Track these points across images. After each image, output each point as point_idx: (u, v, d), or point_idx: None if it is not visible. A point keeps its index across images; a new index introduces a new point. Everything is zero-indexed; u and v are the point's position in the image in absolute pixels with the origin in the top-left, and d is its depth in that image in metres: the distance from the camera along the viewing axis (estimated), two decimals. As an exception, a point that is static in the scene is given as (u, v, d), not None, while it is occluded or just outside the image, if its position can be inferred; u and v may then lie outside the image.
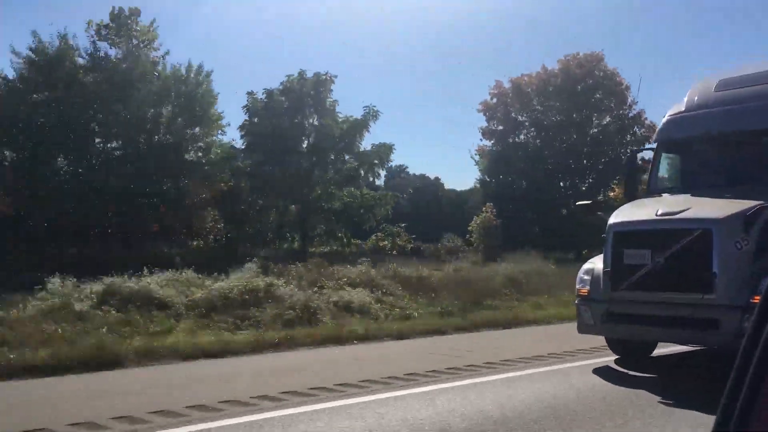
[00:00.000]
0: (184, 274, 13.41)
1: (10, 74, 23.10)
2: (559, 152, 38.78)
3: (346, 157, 30.64)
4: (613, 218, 7.59)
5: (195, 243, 26.19)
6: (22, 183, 21.65)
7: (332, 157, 30.18)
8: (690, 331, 6.62)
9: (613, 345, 8.27)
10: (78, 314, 10.08)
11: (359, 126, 30.38)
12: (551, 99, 39.99)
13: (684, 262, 6.65)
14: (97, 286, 11.92)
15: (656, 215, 7.08)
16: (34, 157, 22.17)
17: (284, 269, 14.72)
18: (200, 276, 13.43)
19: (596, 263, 7.87)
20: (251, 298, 11.54)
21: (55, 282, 11.82)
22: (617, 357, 8.08)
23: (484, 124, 40.25)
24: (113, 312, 10.49)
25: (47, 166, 22.69)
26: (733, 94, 7.84)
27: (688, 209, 6.98)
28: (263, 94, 30.25)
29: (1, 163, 22.52)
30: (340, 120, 30.44)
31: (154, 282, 12.66)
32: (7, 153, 22.76)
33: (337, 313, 11.39)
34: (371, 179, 32.52)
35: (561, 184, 39.96)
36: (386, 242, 33.96)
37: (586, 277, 7.87)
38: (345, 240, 31.67)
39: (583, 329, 7.91)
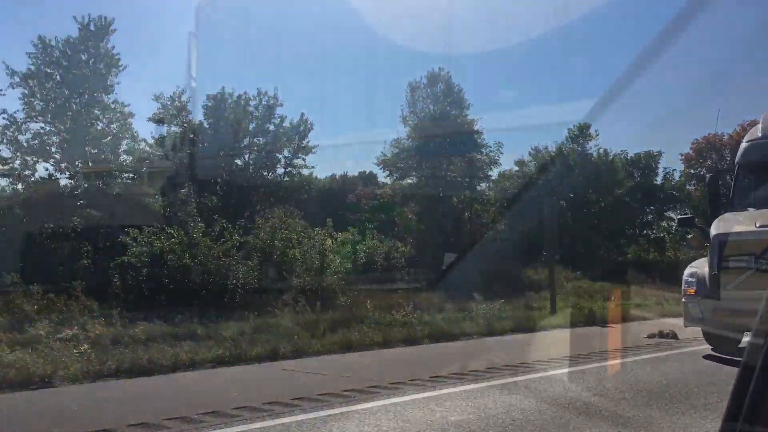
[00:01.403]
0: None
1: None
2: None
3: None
4: (714, 230, 8.27)
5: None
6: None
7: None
8: None
9: (709, 337, 8.92)
10: None
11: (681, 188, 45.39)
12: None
13: None
14: None
15: (756, 227, 7.75)
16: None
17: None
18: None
19: (699, 267, 8.64)
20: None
21: None
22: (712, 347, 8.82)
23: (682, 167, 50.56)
24: None
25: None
26: None
27: None
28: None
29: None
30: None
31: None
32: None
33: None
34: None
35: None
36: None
37: (691, 280, 8.61)
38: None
39: (690, 323, 8.70)
